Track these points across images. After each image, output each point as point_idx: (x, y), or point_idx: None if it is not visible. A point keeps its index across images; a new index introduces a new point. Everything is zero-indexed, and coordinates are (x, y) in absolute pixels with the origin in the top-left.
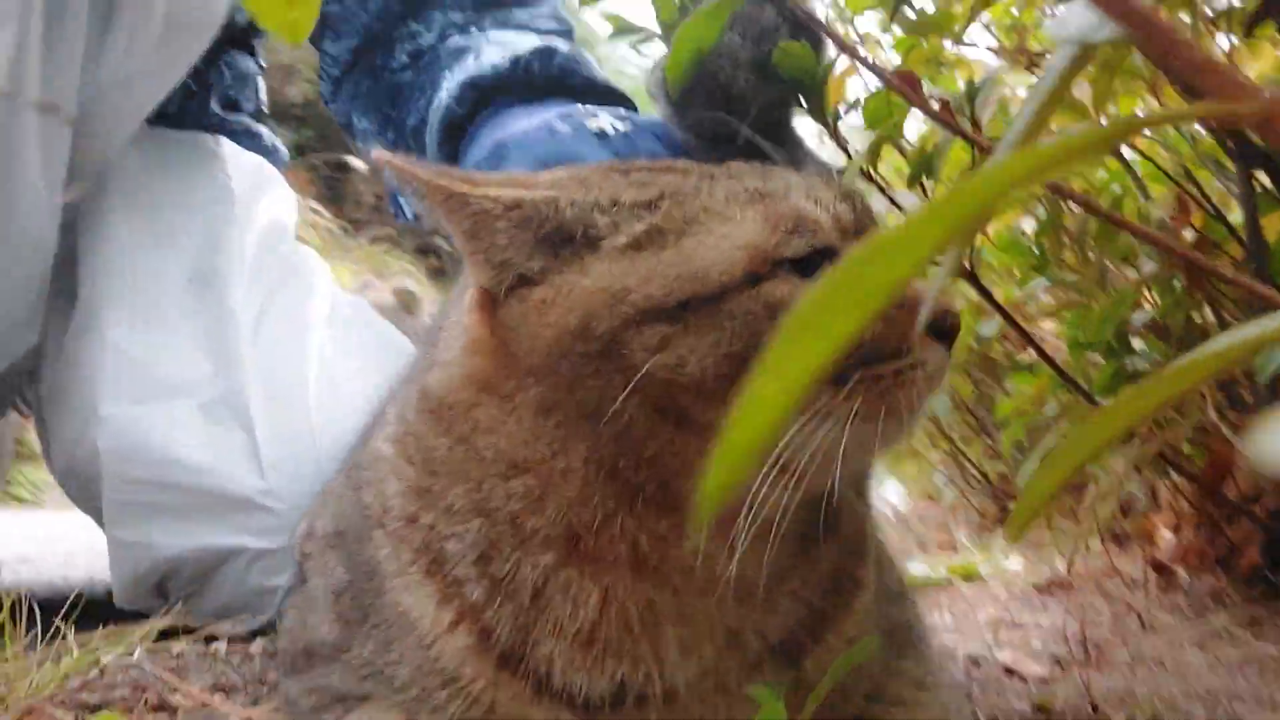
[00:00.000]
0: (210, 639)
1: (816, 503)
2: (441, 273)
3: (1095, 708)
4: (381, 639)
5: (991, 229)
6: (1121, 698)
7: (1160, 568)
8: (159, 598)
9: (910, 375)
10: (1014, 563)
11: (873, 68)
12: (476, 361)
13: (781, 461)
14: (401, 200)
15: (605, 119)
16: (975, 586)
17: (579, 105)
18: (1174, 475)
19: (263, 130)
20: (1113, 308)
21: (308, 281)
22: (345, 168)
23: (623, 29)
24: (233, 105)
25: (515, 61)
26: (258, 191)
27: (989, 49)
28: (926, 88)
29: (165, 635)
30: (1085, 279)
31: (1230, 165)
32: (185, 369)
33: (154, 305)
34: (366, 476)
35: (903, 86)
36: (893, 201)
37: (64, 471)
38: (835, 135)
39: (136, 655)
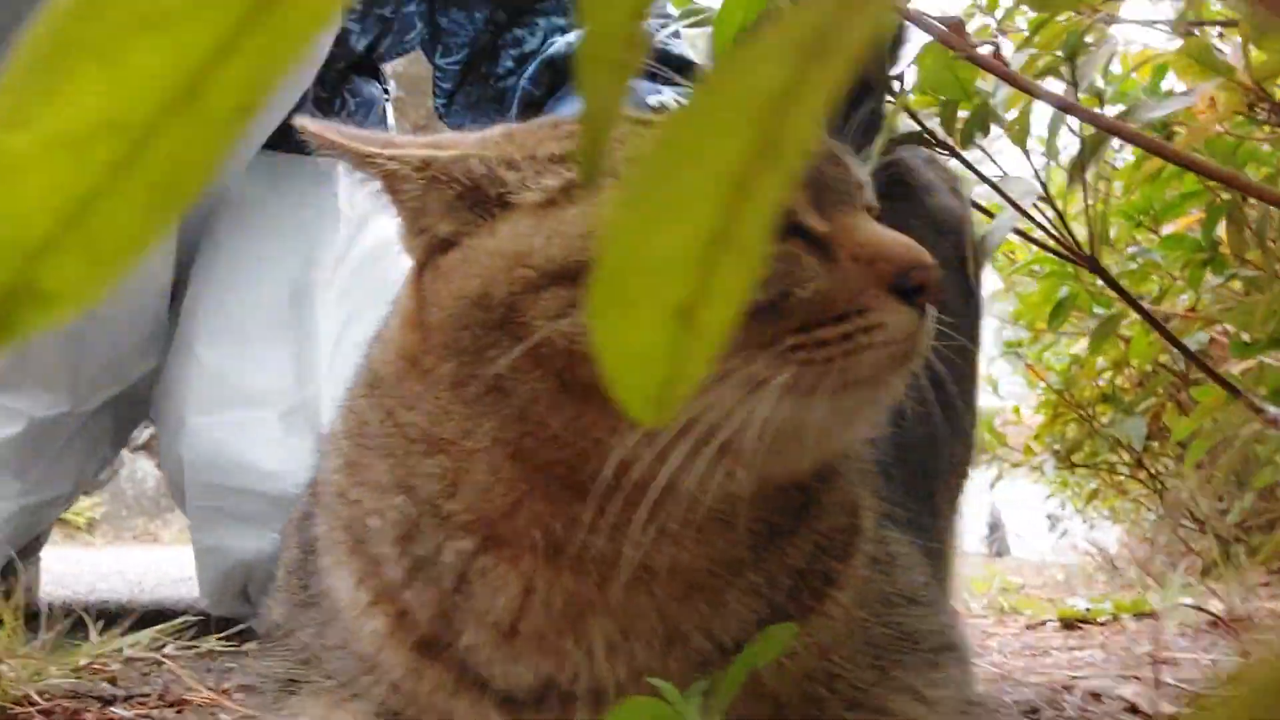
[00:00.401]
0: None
1: (785, 491)
2: None
3: None
4: (319, 622)
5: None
6: None
7: None
8: (246, 603)
9: (863, 340)
10: (1189, 598)
11: (914, 18)
12: (406, 334)
13: (712, 438)
14: None
15: (668, 95)
16: (1143, 623)
17: (644, 82)
18: None
19: None
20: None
21: (383, 285)
22: None
23: (689, 13)
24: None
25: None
26: (373, 212)
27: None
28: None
29: (199, 633)
30: (1266, 274)
31: None
32: (269, 380)
33: (246, 321)
34: (320, 452)
35: (949, 35)
36: (971, 168)
37: (169, 484)
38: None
39: (168, 650)
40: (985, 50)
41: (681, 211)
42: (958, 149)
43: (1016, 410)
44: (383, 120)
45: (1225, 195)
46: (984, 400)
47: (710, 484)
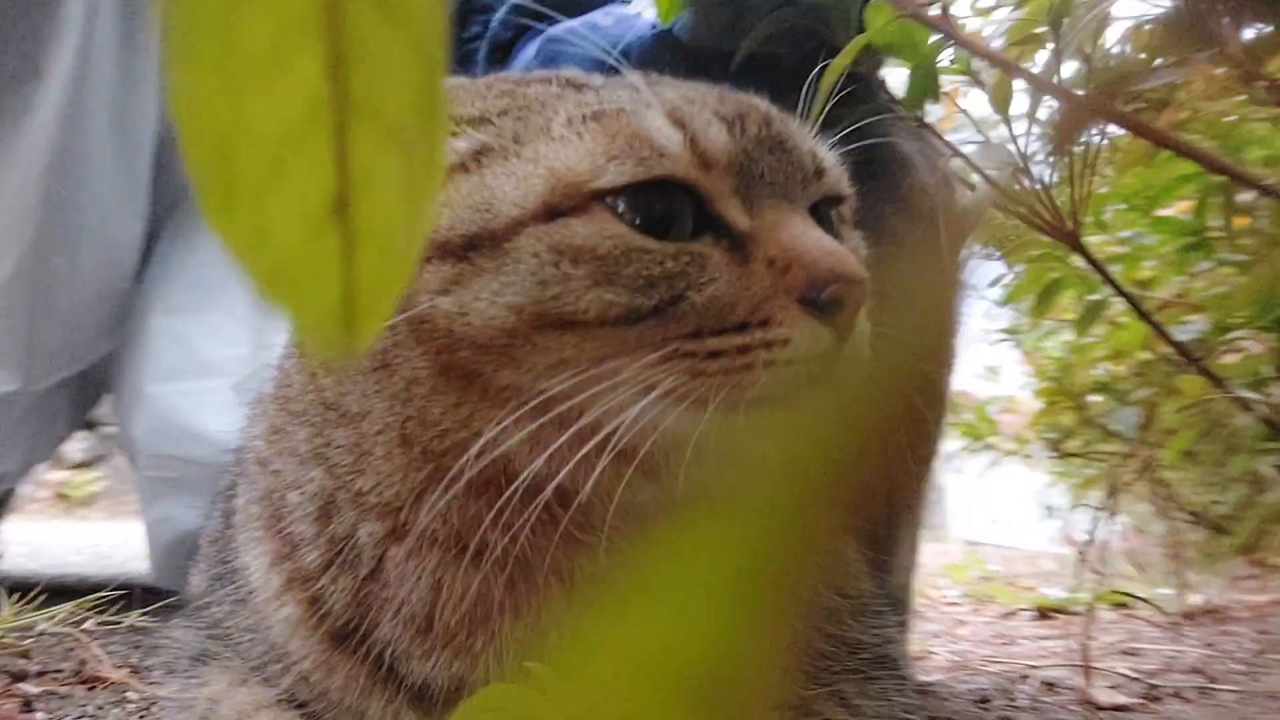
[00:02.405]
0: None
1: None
2: None
3: None
4: (232, 599)
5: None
6: None
7: None
8: None
9: (762, 355)
10: (1169, 589)
11: None
12: None
13: (594, 436)
14: None
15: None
16: (1118, 613)
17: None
18: None
19: None
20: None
21: None
22: None
23: None
24: None
25: None
26: None
27: None
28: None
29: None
30: (1255, 258)
31: None
32: (225, 350)
33: (206, 291)
34: (249, 417)
35: None
36: (947, 143)
37: (128, 455)
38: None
39: (88, 625)
40: (934, 10)
41: (264, 68)
42: (924, 119)
43: (1012, 399)
44: None
45: (1217, 179)
46: (982, 387)
47: (613, 492)
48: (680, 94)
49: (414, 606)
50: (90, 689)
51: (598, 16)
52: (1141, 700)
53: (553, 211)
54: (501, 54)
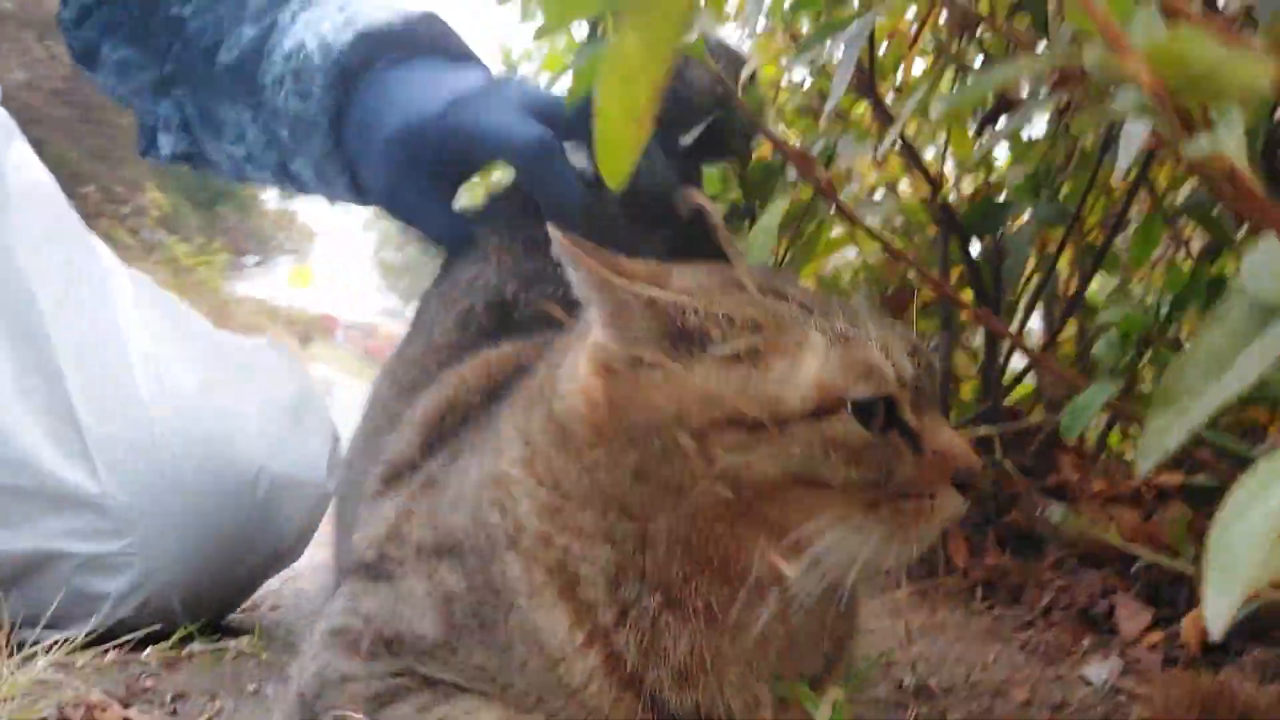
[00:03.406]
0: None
1: (835, 589)
2: None
3: None
4: (497, 648)
5: None
6: None
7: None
8: None
9: (929, 512)
10: None
11: None
12: (592, 411)
13: (824, 565)
14: (161, 135)
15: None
16: None
17: (503, 76)
18: None
19: None
20: None
21: (96, 255)
22: None
23: None
24: None
25: (407, 20)
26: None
27: None
28: None
29: None
30: None
31: None
32: None
33: None
34: (491, 496)
35: None
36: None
37: None
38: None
39: None
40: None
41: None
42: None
43: None
44: None
45: None
46: None
47: (818, 591)
48: (878, 330)
49: (676, 657)
50: None
51: (495, 86)
52: None
53: (819, 411)
54: (349, 79)
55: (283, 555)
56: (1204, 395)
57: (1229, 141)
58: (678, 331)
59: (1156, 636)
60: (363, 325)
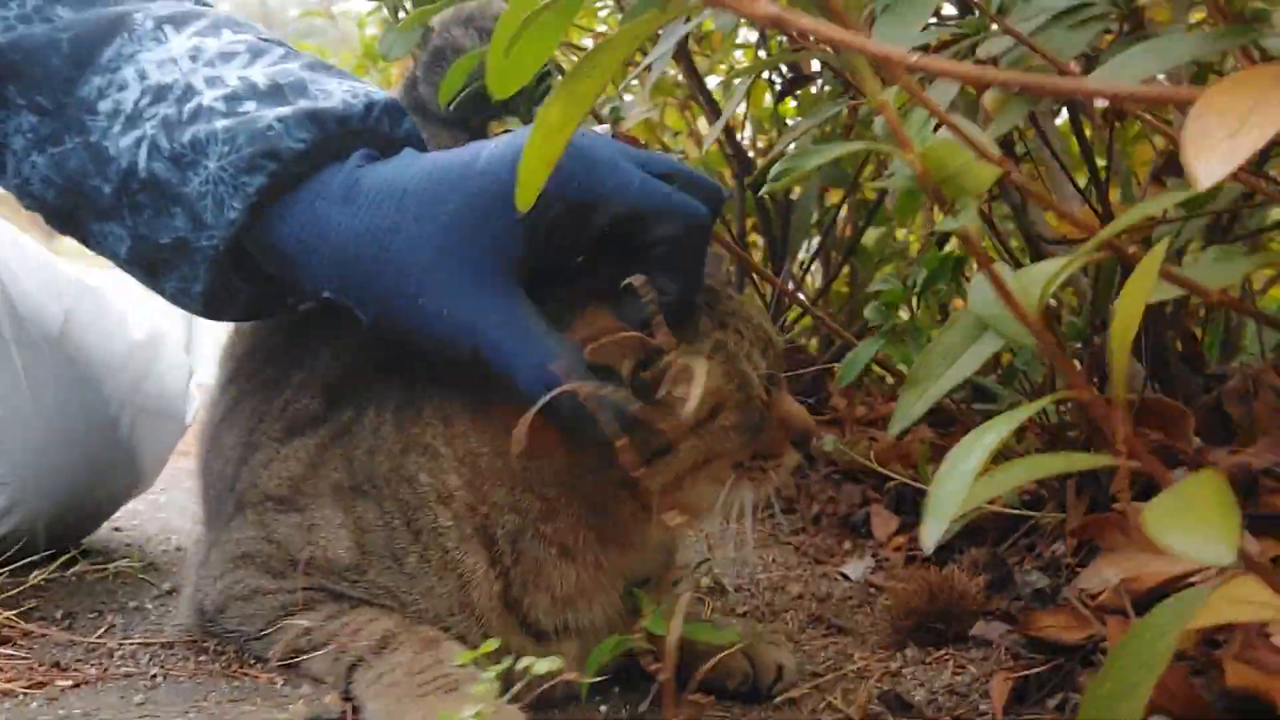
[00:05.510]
0: None
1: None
2: None
3: None
4: (404, 575)
5: None
6: None
7: None
8: None
9: (778, 467)
10: None
11: None
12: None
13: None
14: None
15: None
16: None
17: None
18: None
19: None
20: None
21: None
22: None
23: None
24: None
25: (369, 108)
26: None
27: None
28: None
29: None
30: None
31: None
32: None
33: None
34: (417, 461)
35: None
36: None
37: None
38: None
39: None
40: None
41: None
42: None
43: None
44: None
45: None
46: None
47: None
48: (747, 329)
49: (564, 590)
50: None
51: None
52: None
53: (712, 414)
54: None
55: (140, 483)
56: (941, 379)
57: (967, 217)
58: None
59: (902, 540)
60: None
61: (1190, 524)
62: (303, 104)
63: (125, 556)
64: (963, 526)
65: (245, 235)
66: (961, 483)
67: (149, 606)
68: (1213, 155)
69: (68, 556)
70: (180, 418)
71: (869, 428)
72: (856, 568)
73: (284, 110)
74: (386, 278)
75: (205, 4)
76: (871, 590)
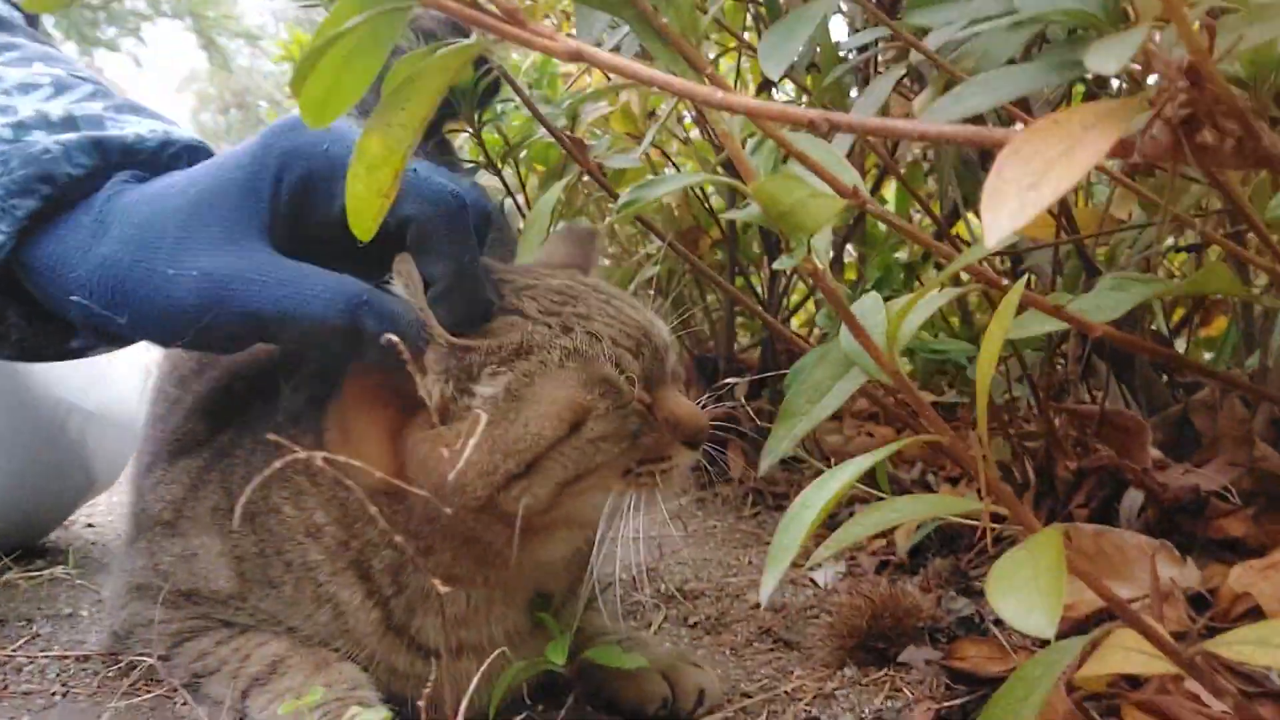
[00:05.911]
0: None
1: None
2: None
3: None
4: (284, 601)
5: None
6: None
7: None
8: None
9: (668, 470)
10: None
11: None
12: (382, 463)
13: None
14: None
15: None
16: None
17: None
18: None
19: None
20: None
21: None
22: None
23: None
24: None
25: (164, 144)
26: None
27: None
28: None
29: None
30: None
31: None
32: None
33: None
34: (281, 494)
35: None
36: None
37: None
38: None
39: None
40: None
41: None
42: None
43: None
44: None
45: None
46: None
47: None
48: (608, 329)
49: (452, 612)
50: None
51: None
52: None
53: (574, 426)
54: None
55: (94, 486)
56: (808, 415)
57: (799, 256)
58: (444, 407)
59: (879, 544)
60: None
61: (1020, 590)
62: (88, 132)
63: (61, 562)
64: (935, 531)
65: (15, 261)
66: (799, 534)
67: (84, 614)
68: (1002, 210)
69: (11, 559)
70: (132, 417)
71: (867, 421)
72: (827, 572)
73: (66, 136)
74: (138, 270)
75: (46, 40)
76: (836, 597)
